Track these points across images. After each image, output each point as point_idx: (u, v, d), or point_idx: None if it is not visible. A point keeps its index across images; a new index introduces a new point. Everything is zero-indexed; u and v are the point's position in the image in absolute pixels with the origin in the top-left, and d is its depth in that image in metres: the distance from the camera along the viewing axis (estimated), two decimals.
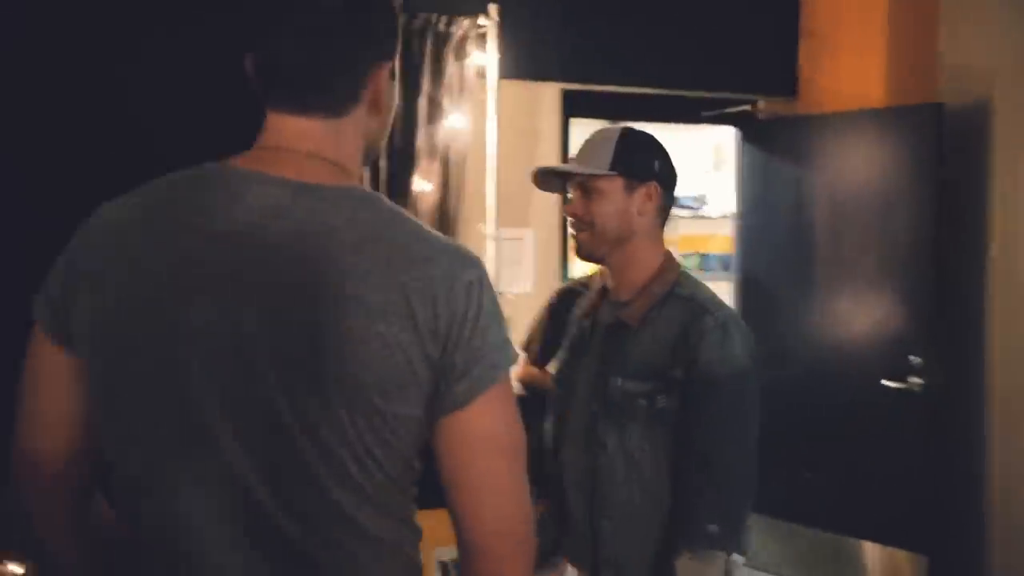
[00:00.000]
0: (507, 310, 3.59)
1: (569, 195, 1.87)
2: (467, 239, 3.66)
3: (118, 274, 0.99)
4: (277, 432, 0.97)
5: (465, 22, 3.53)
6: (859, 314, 3.87)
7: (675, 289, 1.81)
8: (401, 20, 3.33)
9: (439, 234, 1.06)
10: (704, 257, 6.82)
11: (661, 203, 1.82)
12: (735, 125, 4.39)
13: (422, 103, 3.47)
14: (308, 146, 1.05)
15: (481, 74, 3.55)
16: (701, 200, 6.68)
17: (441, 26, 3.50)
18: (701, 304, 1.76)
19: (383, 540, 1.04)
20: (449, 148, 3.53)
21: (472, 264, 1.04)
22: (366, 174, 3.39)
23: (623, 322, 1.80)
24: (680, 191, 6.50)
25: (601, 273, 1.92)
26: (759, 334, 4.05)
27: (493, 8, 3.51)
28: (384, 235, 1.01)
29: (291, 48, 1.03)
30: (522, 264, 3.92)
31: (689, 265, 6.90)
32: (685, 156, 6.70)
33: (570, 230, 1.88)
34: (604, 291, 1.91)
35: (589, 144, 1.85)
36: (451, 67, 3.52)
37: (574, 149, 4.19)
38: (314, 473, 0.98)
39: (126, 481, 1.02)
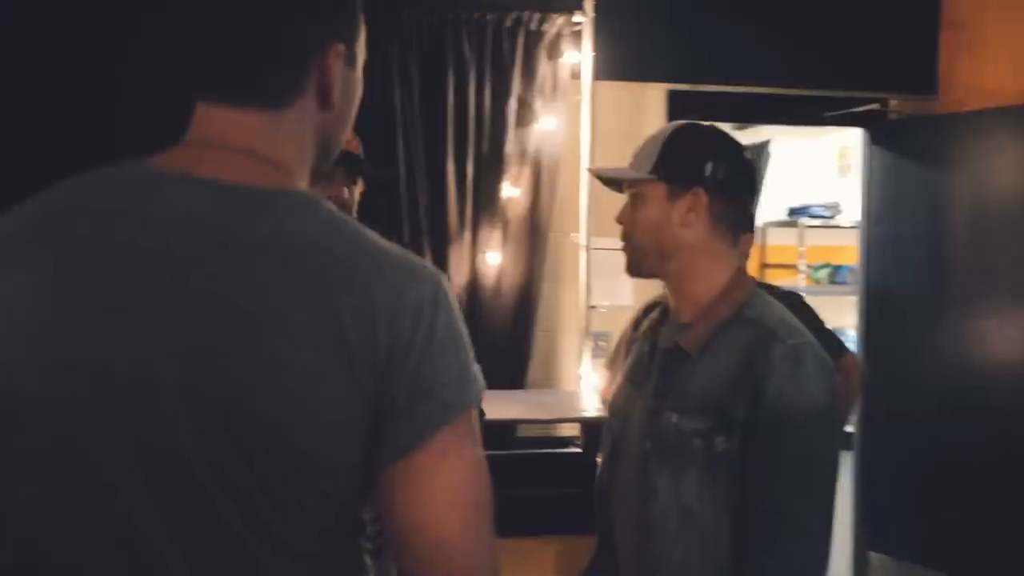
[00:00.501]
0: (599, 325, 3.38)
1: None
2: (559, 249, 3.47)
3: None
4: (186, 480, 0.83)
5: (559, 19, 3.35)
6: (1006, 334, 3.45)
7: (743, 310, 1.55)
8: (491, 18, 3.20)
9: (390, 246, 0.90)
10: (836, 269, 6.37)
11: (714, 213, 1.55)
12: (863, 126, 4.01)
13: (512, 105, 3.31)
14: (238, 141, 0.90)
15: (575, 74, 3.36)
16: (833, 208, 6.24)
17: (533, 24, 3.33)
18: (770, 329, 1.50)
19: None
20: (540, 152, 3.35)
21: (425, 280, 0.88)
22: (451, 177, 3.25)
23: (681, 348, 1.56)
24: (808, 199, 6.12)
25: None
26: (888, 354, 3.75)
27: (589, 4, 3.31)
28: (318, 246, 0.86)
29: (217, 26, 0.89)
30: (621, 276, 3.67)
31: (819, 278, 6.46)
32: (808, 161, 6.30)
33: None
34: (666, 311, 1.67)
35: (644, 143, 1.62)
36: (543, 67, 3.34)
37: None
38: (231, 529, 0.83)
39: (8, 539, 0.87)
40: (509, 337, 3.37)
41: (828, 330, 2.87)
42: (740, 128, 6.69)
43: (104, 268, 0.84)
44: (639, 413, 1.61)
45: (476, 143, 3.29)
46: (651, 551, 1.52)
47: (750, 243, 2.74)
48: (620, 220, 1.61)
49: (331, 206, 0.91)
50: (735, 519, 1.47)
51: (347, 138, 1.90)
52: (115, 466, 0.83)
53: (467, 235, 3.31)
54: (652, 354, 1.65)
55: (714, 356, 1.52)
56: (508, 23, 3.31)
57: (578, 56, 3.34)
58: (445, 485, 0.85)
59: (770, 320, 1.52)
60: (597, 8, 3.32)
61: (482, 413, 2.20)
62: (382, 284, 0.85)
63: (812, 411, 1.44)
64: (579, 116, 3.34)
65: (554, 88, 3.36)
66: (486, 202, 3.31)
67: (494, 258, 3.33)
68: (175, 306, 0.83)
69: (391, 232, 3.23)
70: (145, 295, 0.83)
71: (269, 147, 0.91)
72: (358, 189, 1.95)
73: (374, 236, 0.90)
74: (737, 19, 3.64)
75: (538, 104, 3.33)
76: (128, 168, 0.90)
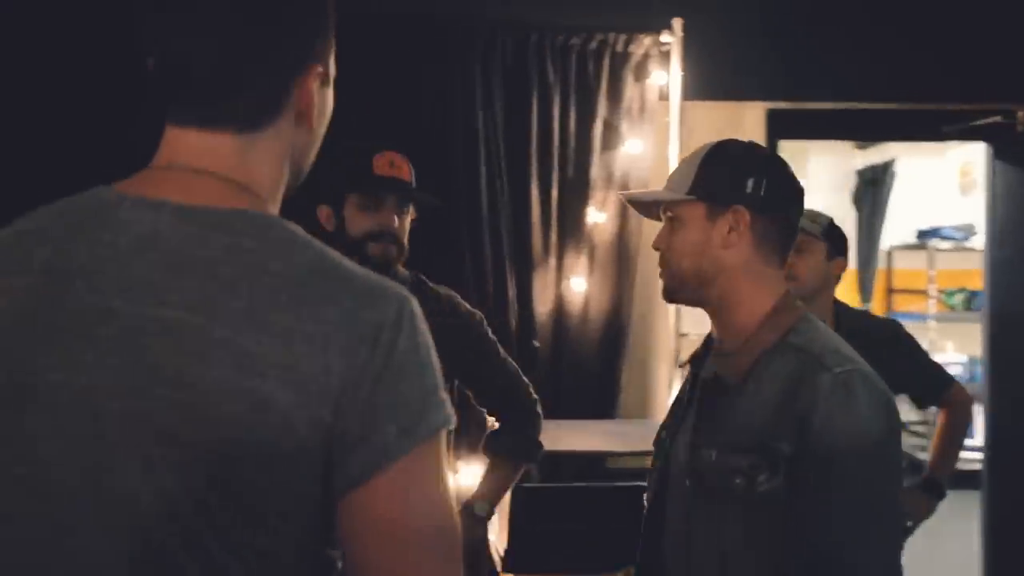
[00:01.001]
0: (690, 352, 3.25)
1: None
2: (648, 276, 3.36)
3: None
4: (134, 511, 0.81)
5: (646, 40, 3.27)
6: None
7: (788, 337, 1.43)
8: (576, 41, 3.15)
9: (355, 268, 0.86)
10: (973, 295, 5.95)
11: (758, 232, 1.45)
12: (987, 140, 3.72)
13: (597, 128, 3.25)
14: (207, 164, 0.89)
15: (664, 96, 3.27)
16: (967, 230, 5.85)
17: (619, 46, 3.27)
18: (816, 356, 1.38)
19: None
20: (627, 176, 3.27)
21: (387, 303, 0.83)
22: (535, 202, 3.21)
23: (721, 379, 1.46)
24: (937, 220, 5.76)
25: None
26: (1018, 385, 3.43)
27: (677, 23, 3.22)
28: (271, 268, 0.83)
29: (198, 47, 0.87)
30: None
31: (953, 303, 6.06)
32: (930, 180, 5.93)
33: None
34: (710, 339, 1.57)
35: (680, 164, 1.53)
36: (630, 89, 3.27)
37: None
38: (180, 564, 0.81)
39: None
40: (597, 366, 3.29)
41: (931, 361, 2.66)
42: (861, 147, 6.39)
43: (58, 294, 0.84)
44: (681, 449, 1.52)
45: (560, 167, 3.24)
46: None
47: (843, 268, 2.59)
48: (657, 245, 1.53)
49: (296, 228, 0.88)
50: (781, 565, 1.35)
51: (398, 163, 1.92)
52: (64, 494, 0.82)
53: (552, 261, 3.26)
54: (694, 385, 1.55)
55: (756, 387, 1.41)
56: (593, 45, 3.26)
57: (666, 77, 3.25)
58: (398, 519, 0.80)
59: (816, 346, 1.40)
60: (686, 27, 3.22)
61: (539, 445, 2.15)
62: (336, 307, 0.82)
63: (866, 444, 1.31)
64: (668, 138, 3.25)
65: (641, 110, 3.28)
66: (571, 227, 3.26)
67: (579, 284, 3.26)
68: (125, 332, 0.81)
69: (473, 258, 3.24)
70: (97, 321, 0.82)
71: (239, 169, 0.89)
72: (408, 216, 1.93)
73: (338, 259, 0.86)
74: (840, 31, 3.46)
75: (624, 127, 3.26)
76: (93, 193, 0.90)
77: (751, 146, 1.51)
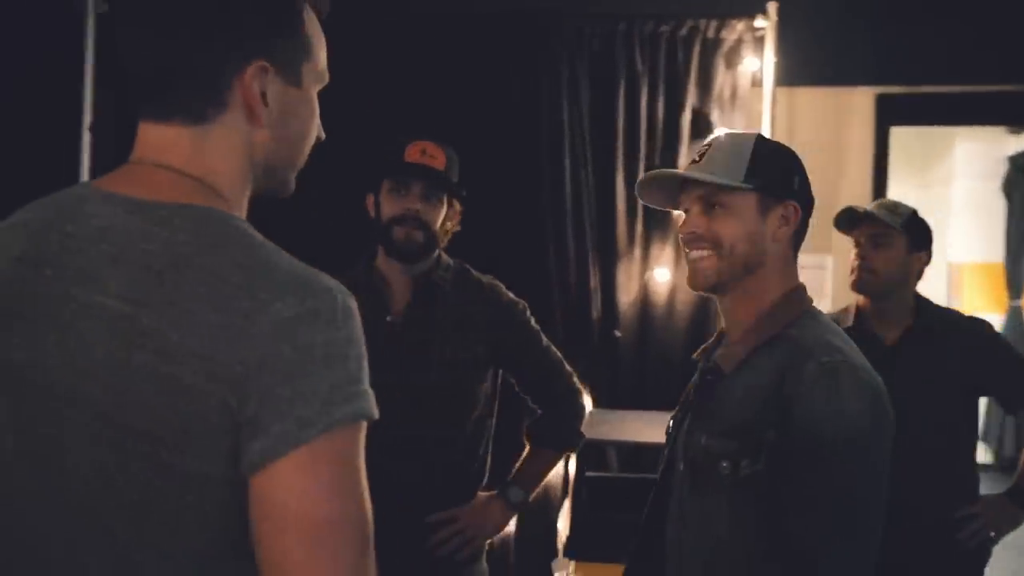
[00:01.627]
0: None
1: (685, 209, 1.53)
2: None
3: None
4: (80, 492, 0.90)
5: (739, 25, 3.20)
6: None
7: (787, 329, 1.42)
8: (665, 29, 3.11)
9: (289, 265, 0.90)
10: None
11: (798, 228, 1.48)
12: None
13: (686, 117, 3.20)
14: (162, 157, 0.96)
15: (756, 82, 3.18)
16: None
17: (710, 32, 3.20)
18: (805, 346, 1.37)
19: None
20: None
21: (305, 297, 0.86)
22: (621, 193, 3.21)
23: (718, 367, 1.46)
24: None
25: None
26: None
27: (772, 7, 3.12)
28: (197, 261, 0.88)
29: (135, 47, 0.96)
30: (821, 294, 3.43)
31: None
32: None
33: (689, 252, 1.53)
34: (722, 334, 1.56)
35: (716, 149, 1.49)
36: (721, 76, 3.21)
37: (895, 162, 3.58)
38: (117, 538, 0.89)
39: None
40: (682, 357, 3.24)
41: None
42: (1014, 132, 5.92)
43: (29, 280, 0.93)
44: (681, 436, 1.53)
45: (647, 156, 3.22)
46: None
47: (925, 262, 2.46)
48: (693, 230, 1.48)
49: (244, 225, 0.93)
50: (767, 551, 1.34)
51: (431, 152, 1.97)
52: (18, 465, 0.92)
53: (636, 252, 3.24)
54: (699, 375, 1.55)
55: (748, 376, 1.42)
56: (683, 32, 3.21)
57: (759, 63, 3.16)
58: (293, 508, 0.83)
59: (808, 338, 1.40)
60: (781, 11, 3.12)
61: (580, 434, 2.15)
62: (250, 300, 0.86)
63: (848, 434, 1.30)
64: (760, 125, 3.16)
65: (733, 97, 3.21)
66: (657, 217, 3.22)
67: (664, 275, 3.23)
68: (78, 317, 0.90)
69: (557, 248, 3.26)
70: (59, 305, 0.91)
71: (193, 162, 0.95)
72: (441, 205, 1.96)
73: (275, 256, 0.90)
74: (953, 7, 3.25)
75: (715, 114, 3.20)
76: (74, 188, 1.00)
77: (785, 145, 1.53)
